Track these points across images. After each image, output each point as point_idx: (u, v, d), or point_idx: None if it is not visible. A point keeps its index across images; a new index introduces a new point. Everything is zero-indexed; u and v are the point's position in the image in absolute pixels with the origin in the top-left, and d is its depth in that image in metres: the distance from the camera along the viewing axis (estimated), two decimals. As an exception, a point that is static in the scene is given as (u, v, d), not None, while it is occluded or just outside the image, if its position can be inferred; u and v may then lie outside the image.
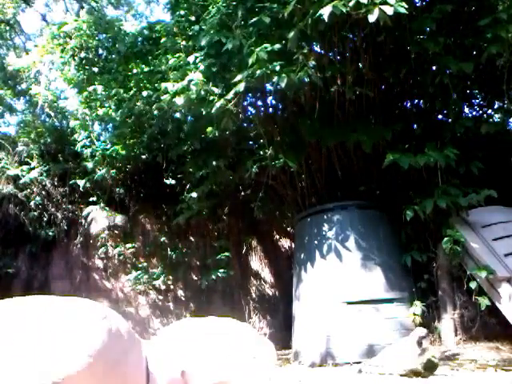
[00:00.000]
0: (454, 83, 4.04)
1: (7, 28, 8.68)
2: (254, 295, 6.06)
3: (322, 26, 3.37)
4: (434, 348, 3.65)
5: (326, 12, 3.06)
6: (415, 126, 4.60)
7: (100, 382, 0.99)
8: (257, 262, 6.26)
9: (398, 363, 2.63)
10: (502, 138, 4.59)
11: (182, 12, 4.76)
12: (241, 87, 3.60)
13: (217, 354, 1.56)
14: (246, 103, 4.81)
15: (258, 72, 3.49)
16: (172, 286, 5.74)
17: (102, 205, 5.64)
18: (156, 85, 4.74)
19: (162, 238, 5.84)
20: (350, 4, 3.06)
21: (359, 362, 3.53)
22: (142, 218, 6.08)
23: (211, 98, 3.94)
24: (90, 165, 5.57)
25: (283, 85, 3.48)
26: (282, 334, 5.14)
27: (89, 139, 5.75)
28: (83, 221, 5.80)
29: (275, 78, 3.51)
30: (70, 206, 5.82)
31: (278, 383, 2.53)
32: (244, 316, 5.58)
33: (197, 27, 4.32)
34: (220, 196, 5.60)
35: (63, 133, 6.23)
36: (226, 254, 5.55)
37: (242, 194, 5.82)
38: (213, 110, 3.82)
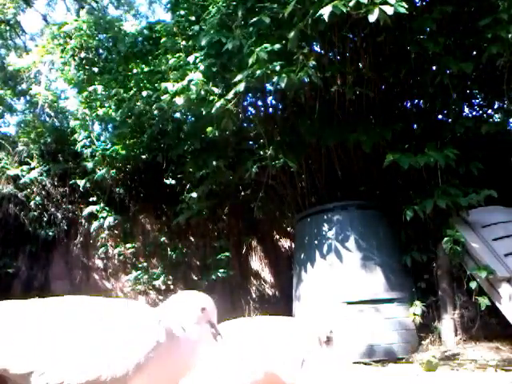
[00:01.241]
0: (454, 83, 4.03)
1: (7, 28, 8.68)
2: (254, 295, 6.06)
3: (322, 26, 3.37)
4: (434, 348, 3.65)
5: (326, 12, 3.06)
6: (415, 126, 4.60)
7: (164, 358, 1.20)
8: (257, 262, 6.26)
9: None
10: (502, 138, 4.59)
11: (182, 12, 4.76)
12: (241, 87, 3.59)
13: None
14: (246, 103, 4.82)
15: (258, 72, 3.49)
16: (172, 286, 5.74)
17: (101, 205, 5.64)
18: (156, 85, 4.74)
19: (162, 238, 5.83)
20: (350, 4, 3.06)
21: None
22: (142, 218, 6.09)
23: (211, 98, 3.94)
24: (89, 165, 5.57)
25: (283, 85, 3.48)
26: (282, 334, 5.13)
27: (89, 139, 5.74)
28: (83, 221, 5.80)
29: (275, 78, 3.51)
30: (70, 206, 5.82)
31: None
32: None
33: (197, 27, 4.32)
34: (220, 196, 5.60)
35: (63, 133, 6.23)
36: (226, 254, 5.54)
37: (242, 193, 5.81)
38: (213, 110, 3.82)
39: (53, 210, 5.69)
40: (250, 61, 3.51)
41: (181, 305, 1.37)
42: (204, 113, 4.08)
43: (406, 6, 3.07)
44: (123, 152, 5.60)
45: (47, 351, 1.08)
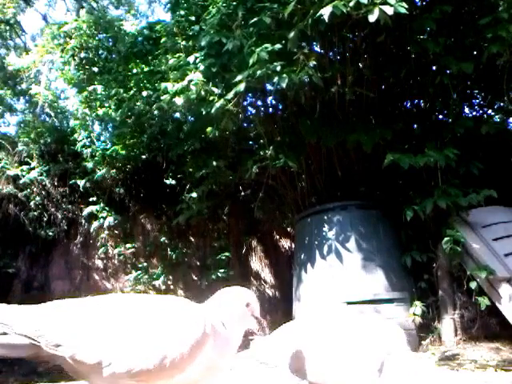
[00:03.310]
0: (454, 83, 4.03)
1: (7, 28, 8.68)
2: (253, 295, 6.04)
3: (322, 26, 3.37)
4: (434, 348, 3.65)
5: (326, 12, 3.06)
6: (415, 125, 4.59)
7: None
8: (257, 262, 6.26)
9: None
10: (502, 138, 4.58)
11: (182, 12, 4.75)
12: (241, 87, 3.59)
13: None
14: (245, 103, 4.81)
15: (259, 72, 3.48)
16: (172, 286, 5.74)
17: (101, 205, 5.64)
18: (156, 85, 4.73)
19: (162, 238, 5.83)
20: (351, 4, 3.06)
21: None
22: (142, 218, 6.08)
23: (211, 98, 3.94)
24: (89, 165, 5.57)
25: (284, 85, 3.48)
26: (282, 334, 5.12)
27: (89, 139, 5.75)
28: (83, 221, 5.80)
29: (276, 79, 3.51)
30: (69, 206, 5.82)
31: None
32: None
33: (197, 27, 4.32)
34: (220, 196, 5.60)
35: (63, 133, 6.22)
36: (226, 254, 5.54)
37: (242, 193, 5.81)
38: (213, 110, 3.82)
39: (53, 210, 5.69)
40: (251, 61, 3.51)
41: (227, 300, 1.45)
42: (204, 113, 4.08)
43: (406, 6, 3.07)
44: (123, 152, 5.60)
45: (114, 343, 1.19)
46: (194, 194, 4.98)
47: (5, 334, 1.21)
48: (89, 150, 5.64)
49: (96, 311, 1.27)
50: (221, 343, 1.33)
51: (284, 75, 3.46)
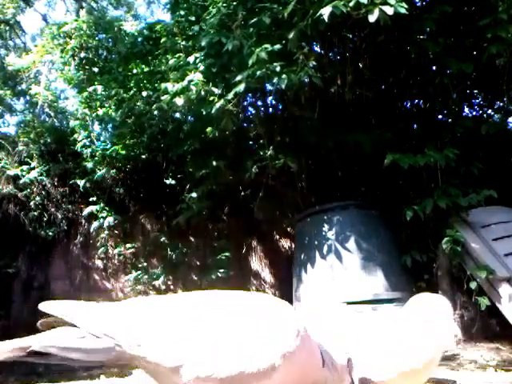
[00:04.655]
0: (454, 83, 4.04)
1: (7, 28, 8.68)
2: (254, 295, 6.04)
3: (322, 26, 3.37)
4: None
5: (326, 12, 3.06)
6: (415, 125, 4.60)
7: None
8: (257, 262, 6.26)
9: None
10: (502, 138, 4.58)
11: (182, 12, 4.76)
12: (241, 87, 3.59)
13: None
14: (245, 103, 4.82)
15: (259, 72, 3.49)
16: (172, 286, 5.74)
17: (101, 205, 5.64)
18: (156, 85, 4.74)
19: (162, 238, 5.83)
20: (351, 4, 3.06)
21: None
22: (142, 218, 6.08)
23: (211, 98, 3.94)
24: (89, 165, 5.56)
25: (284, 85, 3.48)
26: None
27: (89, 139, 5.75)
28: (83, 221, 5.80)
29: (275, 79, 3.51)
30: (69, 206, 5.82)
31: None
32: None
33: (197, 27, 4.33)
34: (220, 196, 5.59)
35: (63, 133, 6.22)
36: (226, 254, 5.54)
37: (242, 194, 5.81)
38: (213, 111, 3.82)
39: (53, 210, 5.69)
40: (250, 61, 3.51)
41: None
42: (204, 113, 4.08)
43: (406, 6, 3.07)
44: (123, 152, 5.60)
45: (195, 345, 1.09)
46: (194, 194, 4.97)
47: (83, 337, 1.11)
48: (89, 149, 5.63)
49: (180, 310, 1.18)
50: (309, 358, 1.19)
51: (284, 75, 3.46)
